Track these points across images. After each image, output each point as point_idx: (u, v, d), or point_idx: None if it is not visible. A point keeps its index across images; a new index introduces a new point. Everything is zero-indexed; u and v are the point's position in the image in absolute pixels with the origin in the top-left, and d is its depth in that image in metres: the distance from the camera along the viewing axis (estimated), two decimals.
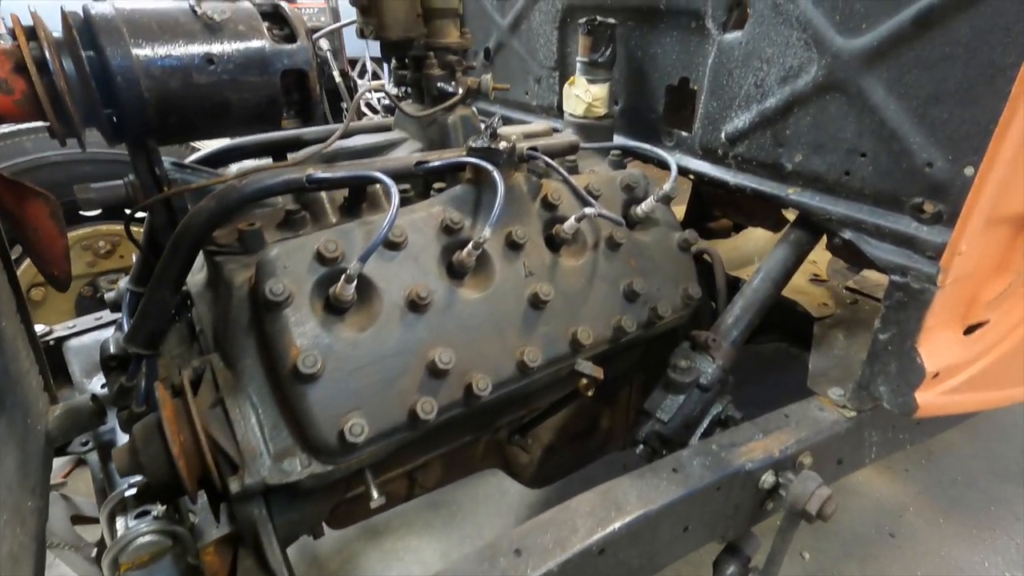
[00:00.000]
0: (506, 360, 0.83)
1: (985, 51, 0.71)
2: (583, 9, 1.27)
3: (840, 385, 1.06)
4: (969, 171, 0.76)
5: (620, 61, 1.23)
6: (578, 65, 1.19)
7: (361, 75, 5.64)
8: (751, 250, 1.65)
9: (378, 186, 0.90)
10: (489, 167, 0.82)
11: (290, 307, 0.70)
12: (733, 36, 0.99)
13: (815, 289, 1.49)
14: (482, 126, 0.95)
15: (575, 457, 1.36)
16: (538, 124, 1.21)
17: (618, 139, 1.31)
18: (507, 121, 1.63)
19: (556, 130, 1.28)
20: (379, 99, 5.68)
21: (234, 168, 1.02)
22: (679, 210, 1.57)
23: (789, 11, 0.89)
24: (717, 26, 1.01)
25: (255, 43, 0.78)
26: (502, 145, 0.85)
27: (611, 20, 1.14)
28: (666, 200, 1.06)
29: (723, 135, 1.06)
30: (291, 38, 0.82)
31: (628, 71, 1.23)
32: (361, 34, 0.91)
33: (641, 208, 1.02)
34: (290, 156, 1.02)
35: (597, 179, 1.02)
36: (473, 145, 0.86)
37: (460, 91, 0.96)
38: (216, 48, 0.75)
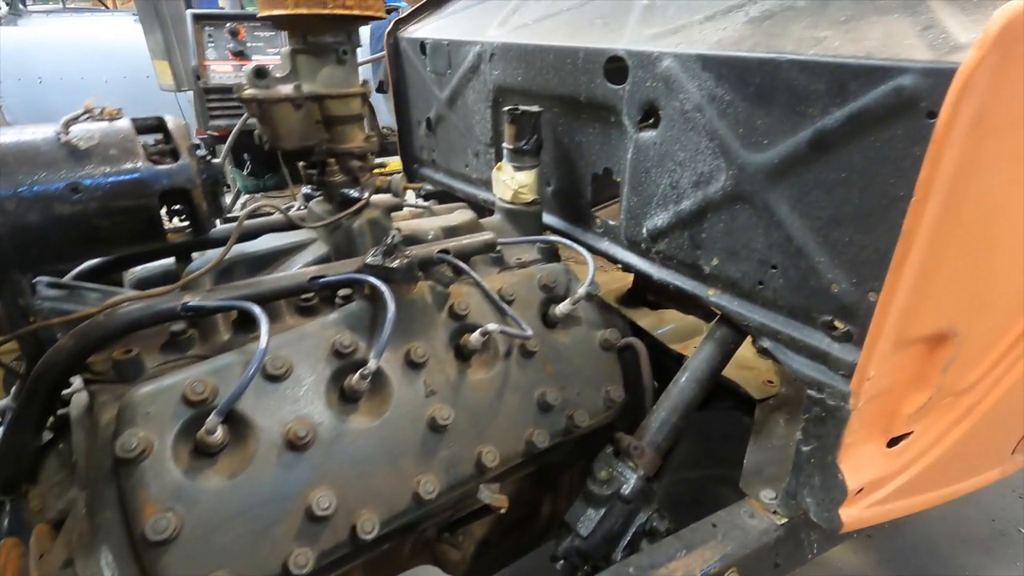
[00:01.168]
0: (400, 491, 0.78)
1: (878, 181, 0.69)
2: (512, 92, 1.26)
3: (773, 486, 1.01)
4: (872, 296, 0.73)
5: (549, 144, 1.21)
6: (504, 152, 1.16)
7: None
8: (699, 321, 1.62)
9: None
10: (381, 286, 0.79)
11: (148, 460, 0.65)
12: (648, 136, 0.97)
13: (761, 363, 1.45)
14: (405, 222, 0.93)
15: (514, 547, 1.30)
16: (460, 213, 1.17)
17: (551, 220, 1.28)
18: (449, 192, 1.61)
19: (491, 211, 1.26)
20: None
21: (137, 270, 0.98)
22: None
23: (697, 120, 0.87)
24: (632, 124, 0.99)
25: (128, 166, 0.74)
26: (397, 263, 0.81)
27: (535, 109, 1.12)
28: (588, 298, 1.02)
29: (644, 231, 1.03)
30: (174, 153, 0.79)
31: (557, 154, 1.21)
32: (260, 139, 0.88)
33: (559, 309, 0.99)
34: (195, 254, 0.98)
35: (513, 280, 0.99)
36: (368, 261, 0.82)
37: (365, 195, 0.93)
38: (82, 176, 0.71)
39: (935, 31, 0.65)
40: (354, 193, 0.93)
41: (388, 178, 0.99)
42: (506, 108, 1.12)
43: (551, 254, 1.20)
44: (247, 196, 2.84)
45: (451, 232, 1.09)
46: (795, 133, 0.75)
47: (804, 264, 0.80)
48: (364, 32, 5.18)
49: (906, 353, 0.79)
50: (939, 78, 0.61)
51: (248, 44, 2.27)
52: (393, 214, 1.11)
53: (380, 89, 4.73)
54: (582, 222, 1.21)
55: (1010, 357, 0.86)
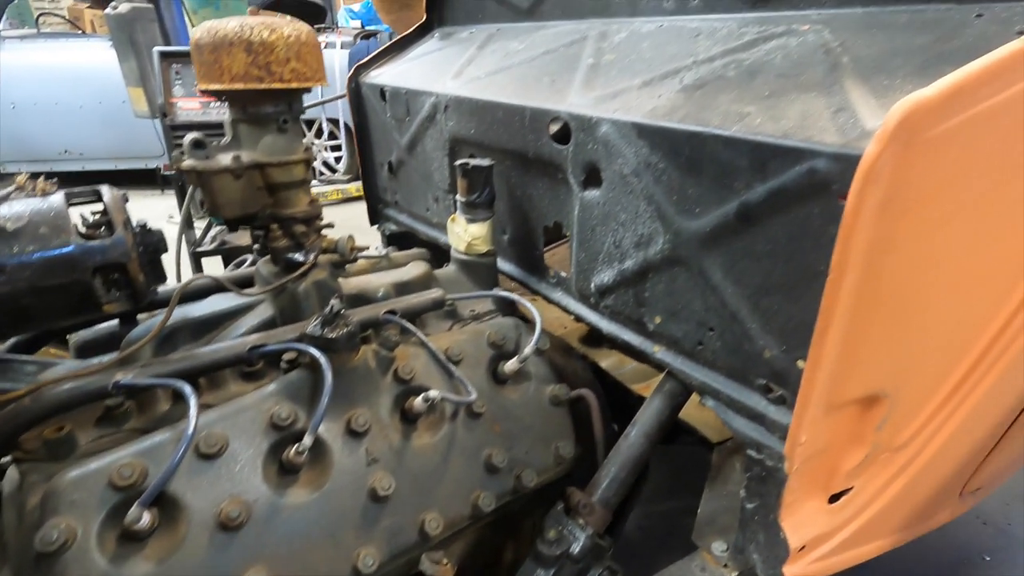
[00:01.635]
0: (338, 566, 0.77)
1: (800, 255, 0.71)
2: (467, 143, 1.27)
3: (725, 537, 1.02)
4: (800, 364, 0.75)
5: (503, 194, 1.22)
6: (457, 203, 1.17)
7: (318, 135, 5.67)
8: None
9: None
10: (319, 358, 0.78)
11: (71, 551, 0.64)
12: (592, 195, 0.98)
13: None
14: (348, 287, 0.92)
15: None
16: (414, 266, 1.18)
17: (507, 267, 1.29)
18: (412, 233, 1.61)
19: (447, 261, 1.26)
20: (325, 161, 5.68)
21: (81, 333, 0.96)
22: None
23: (635, 184, 0.89)
24: (577, 183, 1.00)
25: (59, 244, 0.73)
26: (338, 331, 0.81)
27: (486, 163, 1.13)
28: (538, 353, 1.03)
29: (592, 286, 1.04)
30: (110, 226, 0.78)
31: (510, 204, 1.23)
32: (202, 204, 0.88)
33: (508, 366, 0.99)
34: (142, 315, 0.97)
35: (462, 339, 0.99)
36: (307, 331, 0.82)
37: (310, 259, 0.93)
38: (8, 257, 0.70)
39: (846, 115, 0.67)
40: (299, 257, 0.93)
41: (335, 238, 0.99)
42: (458, 162, 1.14)
43: (506, 303, 1.21)
44: (218, 228, 2.82)
45: (402, 289, 1.09)
46: (723, 204, 0.77)
47: (738, 329, 0.81)
48: (342, 59, 5.21)
49: (839, 415, 0.80)
50: (847, 164, 0.63)
51: None
52: (348, 266, 1.11)
53: None
54: (536, 271, 1.22)
55: (944, 411, 0.88)
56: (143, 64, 4.47)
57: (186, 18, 2.74)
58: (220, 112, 2.26)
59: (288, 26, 0.80)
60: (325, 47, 5.37)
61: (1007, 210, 0.70)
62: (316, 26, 6.35)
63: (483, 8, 1.59)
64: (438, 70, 1.40)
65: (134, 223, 0.84)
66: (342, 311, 0.84)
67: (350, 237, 1.00)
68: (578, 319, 1.14)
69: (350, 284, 1.05)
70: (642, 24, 1.16)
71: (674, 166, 0.82)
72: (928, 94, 0.58)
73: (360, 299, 1.04)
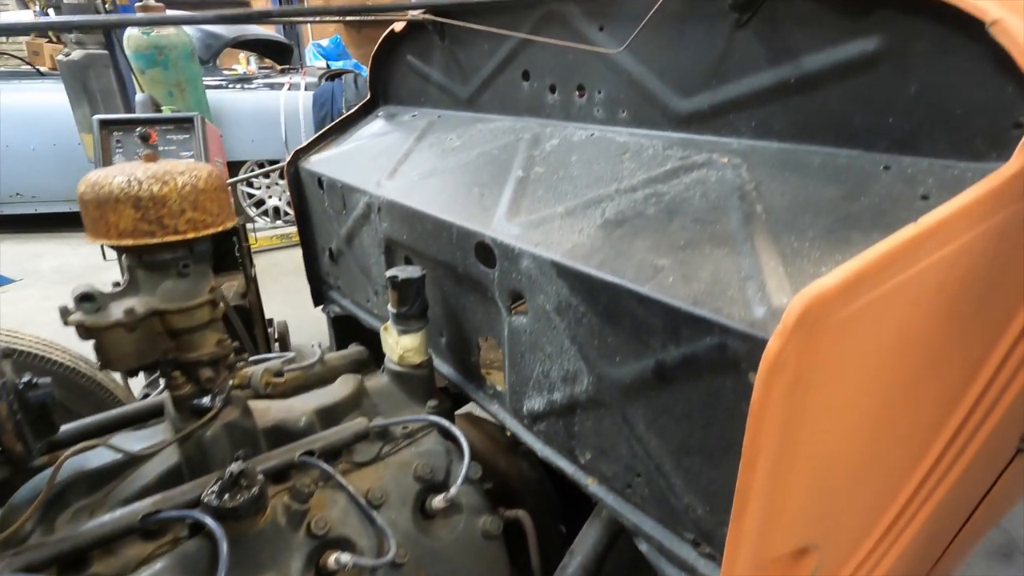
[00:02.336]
0: None
1: (716, 423, 0.69)
2: (401, 246, 1.24)
3: None
4: (723, 527, 0.72)
5: (438, 297, 1.18)
6: (389, 313, 1.13)
7: (282, 176, 5.59)
8: None
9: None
10: (216, 530, 0.72)
11: None
12: (520, 321, 0.95)
13: None
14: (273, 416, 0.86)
15: None
16: (344, 382, 1.13)
17: (446, 370, 1.25)
18: (354, 321, 1.56)
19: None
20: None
21: None
22: None
23: (558, 321, 0.86)
24: (505, 308, 0.97)
25: None
26: (239, 498, 0.76)
27: (417, 275, 1.09)
28: (468, 482, 0.98)
29: (525, 408, 1.01)
30: None
31: (446, 310, 1.19)
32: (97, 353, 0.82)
33: (436, 502, 0.94)
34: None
35: (386, 476, 0.94)
36: (204, 499, 0.76)
37: (217, 404, 0.87)
38: None
39: (755, 285, 0.65)
40: (205, 402, 0.87)
41: (249, 371, 0.93)
42: (388, 273, 1.10)
43: (443, 413, 1.16)
44: None
45: (327, 415, 1.03)
46: (641, 359, 0.75)
47: (664, 483, 0.78)
48: (306, 100, 5.16)
49: (769, 569, 0.77)
50: (753, 345, 0.61)
51: (160, 148, 2.21)
52: (277, 381, 1.05)
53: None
54: (473, 379, 1.18)
55: (877, 553, 0.86)
56: (96, 110, 4.37)
57: (134, 79, 2.66)
58: None
59: (184, 175, 0.76)
60: (289, 88, 5.33)
61: (915, 374, 0.69)
62: (281, 67, 6.30)
63: (426, 92, 1.58)
64: (375, 163, 1.37)
65: (19, 380, 0.77)
66: (245, 471, 0.78)
67: (266, 370, 0.94)
68: (514, 437, 1.10)
69: (268, 415, 0.99)
70: (574, 131, 1.15)
71: (593, 312, 0.80)
72: (828, 283, 0.56)
73: (280, 431, 0.99)
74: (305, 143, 1.60)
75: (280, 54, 6.57)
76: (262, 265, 4.78)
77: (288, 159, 1.58)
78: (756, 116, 0.88)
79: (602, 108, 1.11)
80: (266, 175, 5.59)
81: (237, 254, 2.45)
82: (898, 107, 0.73)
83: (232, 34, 5.63)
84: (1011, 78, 0.63)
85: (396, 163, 1.33)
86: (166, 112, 2.38)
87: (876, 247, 0.58)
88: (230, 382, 0.90)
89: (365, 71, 8.67)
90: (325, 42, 8.39)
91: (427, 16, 1.36)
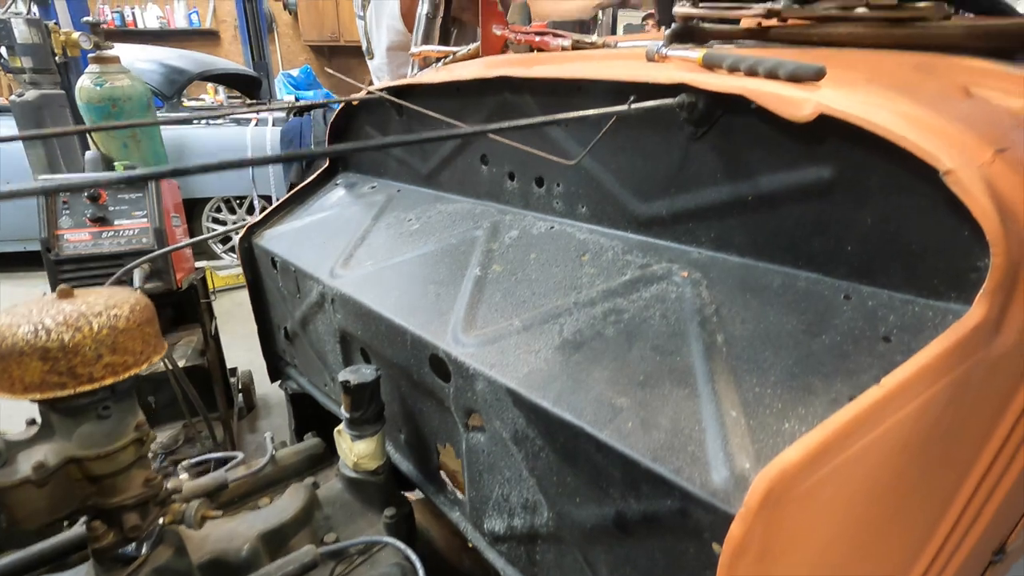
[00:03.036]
0: None
1: None
2: (354, 339, 1.18)
3: None
4: None
5: (396, 397, 1.13)
6: (343, 417, 1.07)
7: (250, 212, 5.47)
8: None
9: None
10: None
11: None
12: (477, 439, 0.90)
13: None
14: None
15: None
16: (292, 494, 1.05)
17: (406, 466, 1.18)
18: (311, 398, 1.49)
19: None
20: None
21: None
22: None
23: (514, 449, 0.81)
24: (462, 423, 0.92)
25: None
26: None
27: (371, 377, 1.03)
28: None
29: (485, 526, 0.95)
30: None
31: (403, 409, 1.13)
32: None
33: None
34: None
35: None
36: None
37: (143, 553, 0.79)
38: None
39: (717, 439, 0.62)
40: (130, 551, 0.79)
41: (183, 507, 0.86)
42: (340, 377, 1.04)
43: (402, 519, 1.09)
44: None
45: (273, 538, 0.96)
46: (601, 506, 0.70)
47: None
48: (273, 136, 5.09)
49: None
50: (716, 516, 0.57)
51: (111, 208, 2.11)
52: (212, 513, 0.97)
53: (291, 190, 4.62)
54: (434, 483, 1.12)
55: None
56: (52, 151, 4.22)
57: (90, 135, 2.55)
58: (113, 243, 2.09)
59: (101, 316, 0.69)
60: (256, 124, 5.24)
61: (881, 527, 0.66)
62: (249, 102, 6.20)
63: (386, 164, 1.54)
64: (331, 245, 1.32)
65: None
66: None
67: (201, 503, 0.87)
68: (476, 548, 1.04)
69: (207, 546, 0.91)
70: (534, 221, 1.12)
71: (551, 447, 0.75)
72: (792, 458, 0.53)
73: (220, 565, 0.91)
74: (260, 216, 1.54)
75: (248, 87, 6.48)
76: (226, 306, 4.64)
77: (241, 234, 1.51)
78: (715, 228, 0.86)
79: (561, 201, 1.08)
80: (232, 210, 5.47)
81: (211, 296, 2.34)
82: (855, 236, 0.72)
83: (197, 69, 5.53)
84: (967, 223, 0.62)
85: (352, 246, 1.28)
86: (119, 169, 2.29)
87: (839, 414, 0.55)
88: (160, 521, 0.82)
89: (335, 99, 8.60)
90: (295, 72, 8.34)
91: (384, 95, 1.33)
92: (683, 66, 0.89)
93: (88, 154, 2.31)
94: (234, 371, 3.00)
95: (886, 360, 0.63)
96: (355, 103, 1.50)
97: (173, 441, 2.42)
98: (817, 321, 0.70)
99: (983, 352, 0.62)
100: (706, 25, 1.01)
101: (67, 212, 2.07)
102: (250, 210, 5.43)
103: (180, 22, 8.53)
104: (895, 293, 0.69)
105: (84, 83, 2.47)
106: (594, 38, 1.26)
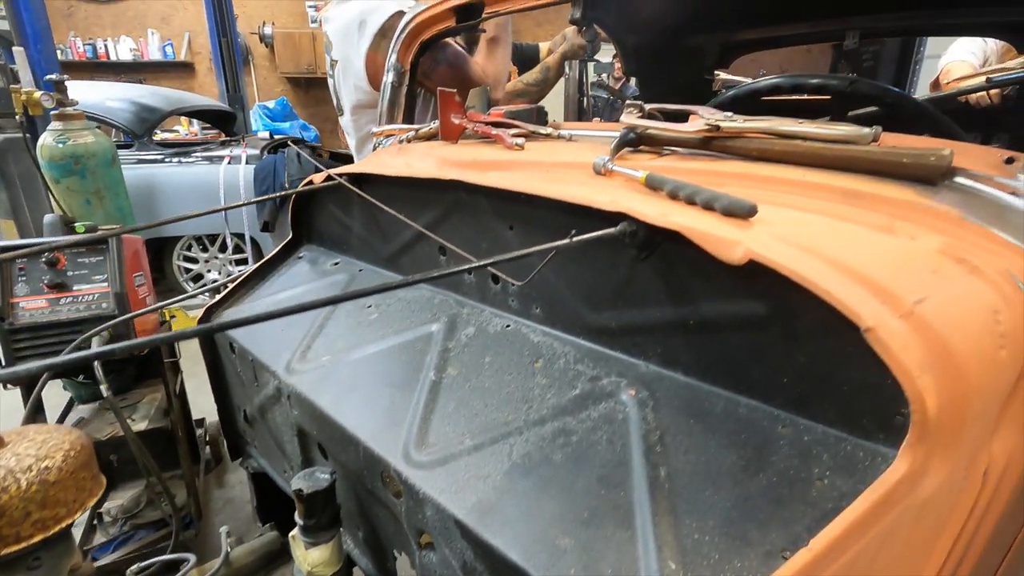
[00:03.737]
0: None
1: None
2: (311, 436, 1.16)
3: None
4: None
5: (352, 495, 1.11)
6: (296, 525, 1.05)
7: (222, 250, 5.40)
8: None
9: None
10: None
11: None
12: (430, 558, 0.89)
13: None
14: None
15: None
16: None
17: (364, 563, 1.16)
18: (272, 479, 1.46)
19: None
20: None
21: None
22: None
23: None
24: (413, 541, 0.91)
25: None
26: None
27: (325, 483, 1.02)
28: None
29: None
30: None
31: (360, 509, 1.11)
32: None
33: None
34: None
35: None
36: None
37: None
38: None
39: None
40: None
41: None
42: (292, 486, 1.02)
43: None
44: (82, 407, 2.51)
45: None
46: None
47: None
48: (247, 174, 5.05)
49: None
50: None
51: (71, 272, 2.07)
52: None
53: (264, 228, 4.59)
54: None
55: None
56: (15, 195, 4.12)
57: (51, 193, 2.50)
58: (72, 309, 2.04)
59: (30, 471, 0.67)
60: (229, 162, 5.21)
61: None
62: (223, 139, 6.12)
63: (348, 241, 1.54)
64: (289, 332, 1.30)
65: None
66: None
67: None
68: None
69: None
70: (491, 317, 1.13)
71: None
72: None
73: None
74: (220, 296, 1.52)
75: (222, 121, 6.46)
76: (195, 347, 4.54)
77: (201, 314, 1.49)
78: (662, 344, 0.87)
79: (516, 300, 1.09)
80: (204, 248, 5.39)
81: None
82: (790, 370, 0.74)
83: (169, 107, 5.49)
84: (890, 372, 0.64)
85: (311, 336, 1.27)
86: (79, 231, 2.25)
87: None
88: None
89: (313, 130, 8.59)
90: (271, 103, 8.34)
91: (343, 182, 1.33)
92: (627, 185, 0.91)
93: (47, 218, 2.27)
94: (201, 422, 2.92)
95: (818, 509, 0.64)
96: (316, 182, 1.50)
97: (135, 503, 2.34)
98: (755, 457, 0.72)
99: (909, 498, 0.64)
100: (653, 132, 1.05)
101: (23, 279, 2.02)
102: (223, 248, 5.36)
103: (154, 54, 8.48)
104: (829, 429, 0.71)
105: (46, 141, 2.43)
106: (548, 129, 1.29)
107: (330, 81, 2.41)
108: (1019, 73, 1.98)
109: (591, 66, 5.25)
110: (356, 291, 0.75)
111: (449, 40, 1.97)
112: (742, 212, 0.75)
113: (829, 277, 0.65)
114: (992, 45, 2.79)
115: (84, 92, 5.06)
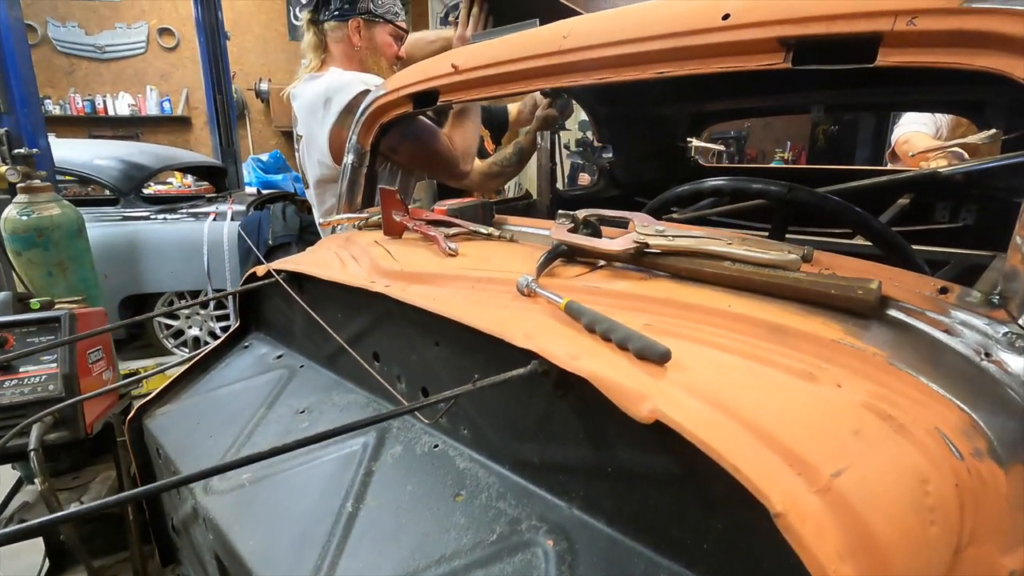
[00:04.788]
0: None
1: None
2: (228, 567, 1.07)
3: None
4: None
5: None
6: None
7: (204, 307, 5.34)
8: None
9: None
10: None
11: None
12: None
13: None
14: None
15: None
16: None
17: None
18: None
19: None
20: None
21: None
22: None
23: None
24: None
25: None
26: None
27: None
28: None
29: None
30: None
31: None
32: None
33: None
34: None
35: None
36: None
37: None
38: None
39: None
40: None
41: None
42: None
43: None
44: (30, 487, 2.39)
45: None
46: None
47: None
48: (231, 232, 5.03)
49: None
50: None
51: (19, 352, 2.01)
52: None
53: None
54: None
55: None
56: None
57: (12, 263, 2.46)
58: (16, 392, 1.96)
59: None
60: (215, 219, 5.22)
61: None
62: (210, 195, 6.10)
63: (293, 332, 1.49)
64: (217, 439, 1.23)
65: None
66: None
67: None
68: None
69: None
70: (419, 435, 1.06)
71: None
72: None
73: None
74: (155, 392, 1.46)
75: (213, 176, 6.53)
76: None
77: (132, 413, 1.42)
78: (584, 487, 0.81)
79: (445, 418, 1.03)
80: (203, 307, 5.34)
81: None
82: (710, 537, 0.67)
83: (158, 164, 5.56)
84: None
85: (238, 446, 1.19)
86: (34, 308, 2.20)
87: None
88: None
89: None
90: (264, 156, 8.47)
91: (280, 280, 1.29)
92: (547, 311, 0.87)
93: None
94: None
95: None
96: (259, 274, 1.46)
97: None
98: None
99: None
100: (586, 246, 1.01)
101: None
102: (204, 306, 5.30)
103: (152, 110, 8.68)
104: None
105: (10, 213, 2.41)
106: (490, 229, 1.26)
107: (296, 155, 2.42)
108: (1002, 160, 1.95)
109: (576, 124, 5.35)
110: (275, 448, 0.69)
111: None
112: (655, 357, 0.70)
113: (740, 444, 0.60)
114: (942, 117, 2.84)
115: (73, 151, 5.14)
